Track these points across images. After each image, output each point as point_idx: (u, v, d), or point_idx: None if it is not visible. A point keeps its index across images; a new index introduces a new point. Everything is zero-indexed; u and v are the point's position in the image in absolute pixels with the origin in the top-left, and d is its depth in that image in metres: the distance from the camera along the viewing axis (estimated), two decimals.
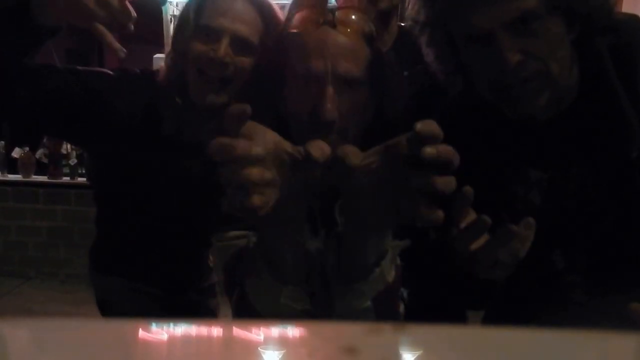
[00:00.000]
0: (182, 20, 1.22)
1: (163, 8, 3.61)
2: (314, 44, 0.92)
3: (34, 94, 1.11)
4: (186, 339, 0.50)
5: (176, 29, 1.25)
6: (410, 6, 1.00)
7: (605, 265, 0.92)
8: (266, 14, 1.17)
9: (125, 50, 1.13)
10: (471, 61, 0.91)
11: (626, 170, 0.88)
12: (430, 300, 1.09)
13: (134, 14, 1.00)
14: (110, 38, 1.06)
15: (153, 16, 3.60)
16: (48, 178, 3.97)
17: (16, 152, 3.96)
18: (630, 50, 0.88)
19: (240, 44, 1.15)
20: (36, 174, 4.02)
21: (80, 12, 0.97)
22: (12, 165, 4.03)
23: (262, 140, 0.68)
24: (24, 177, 3.98)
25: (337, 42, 0.92)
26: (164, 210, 1.25)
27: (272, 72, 1.01)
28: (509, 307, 0.93)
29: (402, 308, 1.06)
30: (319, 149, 0.69)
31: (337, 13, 0.94)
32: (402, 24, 1.45)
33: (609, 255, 0.92)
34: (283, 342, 0.50)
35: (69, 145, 3.86)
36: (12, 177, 4.03)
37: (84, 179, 3.93)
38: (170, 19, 3.61)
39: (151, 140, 1.22)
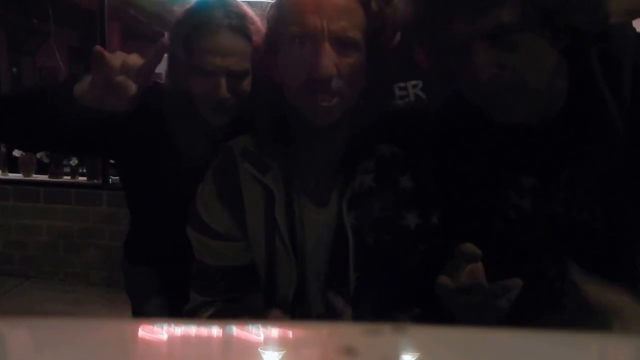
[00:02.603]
0: (173, 58, 1.21)
1: None
2: (308, 2, 0.90)
3: (54, 127, 1.09)
4: (186, 339, 0.50)
5: (168, 64, 1.25)
6: (400, 8, 1.00)
7: (596, 272, 0.92)
8: (251, 33, 1.16)
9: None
10: (453, 67, 0.91)
11: (615, 178, 0.88)
12: None
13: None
14: None
15: None
16: (49, 177, 3.96)
17: (17, 151, 3.95)
18: (619, 56, 0.87)
19: (236, 75, 1.16)
20: (37, 173, 4.01)
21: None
22: (12, 164, 4.02)
23: None
24: (24, 176, 3.97)
25: (332, 1, 0.90)
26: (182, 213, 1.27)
27: (267, 45, 0.99)
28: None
29: None
30: None
31: None
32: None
33: (600, 262, 0.91)
34: (283, 342, 0.50)
35: None
36: (12, 176, 4.02)
37: (85, 178, 3.94)
38: None
39: (165, 157, 1.25)
